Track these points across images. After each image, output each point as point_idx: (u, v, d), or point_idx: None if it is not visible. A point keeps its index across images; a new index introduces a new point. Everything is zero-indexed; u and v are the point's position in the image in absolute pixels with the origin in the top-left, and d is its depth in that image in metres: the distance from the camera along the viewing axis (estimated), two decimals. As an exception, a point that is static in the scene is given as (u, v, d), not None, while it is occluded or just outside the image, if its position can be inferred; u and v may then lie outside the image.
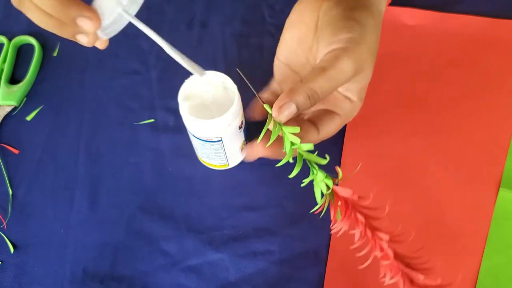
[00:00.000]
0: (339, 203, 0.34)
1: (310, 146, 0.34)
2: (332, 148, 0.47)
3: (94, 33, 0.31)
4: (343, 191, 0.33)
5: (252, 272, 0.43)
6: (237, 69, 0.36)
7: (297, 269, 0.43)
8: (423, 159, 0.47)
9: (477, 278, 0.41)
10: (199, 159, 0.48)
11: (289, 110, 0.33)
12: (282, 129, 0.34)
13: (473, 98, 0.49)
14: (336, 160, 0.47)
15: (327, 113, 0.37)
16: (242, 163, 0.48)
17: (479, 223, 0.44)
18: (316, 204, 0.35)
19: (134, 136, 0.51)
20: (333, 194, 0.34)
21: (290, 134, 0.34)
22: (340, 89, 0.36)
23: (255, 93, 0.36)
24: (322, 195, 0.34)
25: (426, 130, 0.48)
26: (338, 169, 0.34)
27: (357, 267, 0.43)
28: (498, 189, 0.44)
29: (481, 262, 0.42)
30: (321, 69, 0.32)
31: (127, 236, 0.46)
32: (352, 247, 0.34)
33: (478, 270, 0.42)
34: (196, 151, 0.47)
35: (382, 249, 0.33)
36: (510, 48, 0.51)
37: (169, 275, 0.44)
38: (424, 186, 0.46)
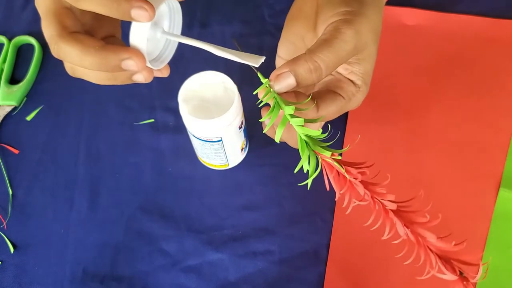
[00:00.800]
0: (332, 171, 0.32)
1: (301, 121, 0.31)
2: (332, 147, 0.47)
3: (145, 67, 0.31)
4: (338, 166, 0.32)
5: (252, 272, 0.43)
6: (233, 40, 0.35)
7: (297, 269, 0.43)
8: (422, 159, 0.47)
9: (477, 278, 0.41)
10: (199, 159, 0.48)
11: (287, 81, 0.31)
12: (276, 99, 0.32)
13: (473, 98, 0.49)
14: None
15: (330, 93, 0.35)
16: (242, 163, 0.48)
17: (479, 223, 0.44)
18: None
19: (134, 136, 0.51)
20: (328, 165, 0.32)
21: (285, 105, 0.31)
22: (343, 72, 0.35)
23: (252, 66, 0.33)
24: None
25: (426, 130, 0.48)
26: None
27: (357, 267, 0.43)
28: (498, 189, 0.45)
29: (481, 262, 0.42)
30: (324, 41, 0.31)
31: (127, 236, 0.46)
32: (353, 205, 0.32)
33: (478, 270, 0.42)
34: (196, 151, 0.47)
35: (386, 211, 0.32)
36: (510, 48, 0.51)
37: (169, 275, 0.44)
38: (424, 186, 0.46)
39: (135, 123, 0.51)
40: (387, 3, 0.53)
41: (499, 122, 0.48)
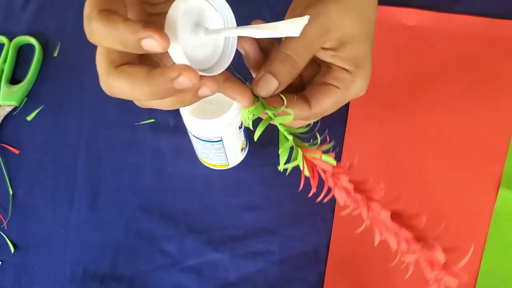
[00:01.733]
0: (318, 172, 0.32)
1: (289, 118, 0.30)
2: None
3: (204, 78, 0.27)
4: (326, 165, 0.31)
5: (252, 272, 0.43)
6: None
7: (297, 269, 0.43)
8: (422, 159, 0.47)
9: (477, 278, 0.41)
10: (199, 159, 0.48)
11: (268, 83, 0.30)
12: (263, 105, 0.31)
13: (473, 98, 0.49)
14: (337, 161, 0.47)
15: (322, 86, 0.33)
16: (242, 163, 0.48)
17: (479, 223, 0.44)
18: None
19: (134, 136, 0.51)
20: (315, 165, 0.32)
21: (271, 111, 0.30)
22: (332, 60, 0.33)
23: (234, 70, 0.32)
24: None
25: (426, 130, 0.48)
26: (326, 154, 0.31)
27: (357, 267, 0.43)
28: (498, 189, 0.45)
29: (481, 262, 0.42)
30: None
31: (127, 236, 0.46)
32: (343, 213, 0.32)
33: (478, 270, 0.42)
34: (196, 151, 0.47)
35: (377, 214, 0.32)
36: (510, 48, 0.51)
37: (169, 275, 0.44)
38: (424, 186, 0.46)
39: (135, 123, 0.51)
40: (388, 3, 0.53)
41: (499, 122, 0.48)
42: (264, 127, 0.30)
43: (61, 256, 0.45)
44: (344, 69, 0.33)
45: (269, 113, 0.31)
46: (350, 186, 0.31)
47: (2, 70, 0.55)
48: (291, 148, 0.31)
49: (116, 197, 0.48)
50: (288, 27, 0.27)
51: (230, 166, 0.48)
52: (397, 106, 0.50)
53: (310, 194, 0.32)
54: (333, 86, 0.33)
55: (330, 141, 0.31)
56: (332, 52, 0.33)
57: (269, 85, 0.31)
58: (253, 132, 0.49)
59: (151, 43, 0.24)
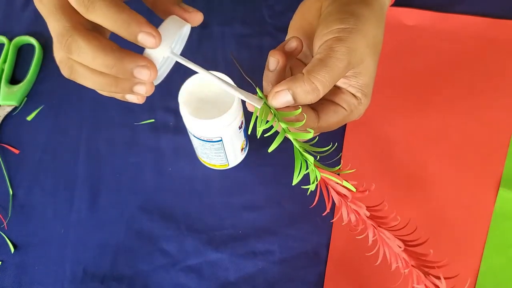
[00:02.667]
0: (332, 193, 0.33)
1: (307, 136, 0.32)
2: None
3: (152, 82, 0.30)
4: (341, 188, 0.33)
5: (252, 272, 0.43)
6: (231, 54, 0.35)
7: (297, 269, 0.43)
8: (422, 159, 0.47)
9: (477, 278, 0.41)
10: (199, 159, 0.48)
11: (285, 99, 0.32)
12: (273, 113, 0.33)
13: (473, 98, 0.49)
14: (337, 161, 0.47)
15: (332, 104, 0.36)
16: (242, 163, 0.48)
17: (479, 223, 0.44)
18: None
19: (134, 136, 0.51)
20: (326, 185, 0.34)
21: (283, 118, 0.32)
22: (342, 85, 0.36)
23: (248, 78, 0.34)
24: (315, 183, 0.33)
25: (426, 130, 0.48)
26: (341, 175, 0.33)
27: (357, 267, 0.43)
28: (498, 189, 0.45)
29: (481, 262, 0.42)
30: (319, 60, 0.32)
31: (127, 236, 0.46)
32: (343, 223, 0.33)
33: (478, 270, 0.42)
34: (196, 151, 0.47)
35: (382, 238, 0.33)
36: (510, 48, 0.52)
37: (169, 275, 0.44)
38: (424, 186, 0.46)
39: (135, 123, 0.52)
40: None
41: (499, 122, 0.48)
42: (280, 141, 0.32)
43: (61, 256, 0.45)
44: (352, 94, 0.36)
45: (283, 126, 0.32)
46: (364, 212, 0.32)
47: (2, 70, 0.55)
48: (305, 162, 0.33)
49: (116, 197, 0.48)
50: (254, 101, 0.33)
51: (230, 166, 0.48)
52: (397, 106, 0.50)
53: (324, 214, 0.34)
54: (341, 107, 0.36)
55: (332, 147, 0.33)
56: (345, 80, 0.35)
57: (285, 102, 0.32)
58: (253, 132, 0.49)
59: (148, 39, 0.28)
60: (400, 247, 0.32)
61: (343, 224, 0.34)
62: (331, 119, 0.36)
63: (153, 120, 0.51)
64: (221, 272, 0.44)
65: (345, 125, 0.49)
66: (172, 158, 0.49)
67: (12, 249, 0.46)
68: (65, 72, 0.30)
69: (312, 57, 0.37)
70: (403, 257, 0.33)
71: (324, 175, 0.32)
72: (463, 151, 0.47)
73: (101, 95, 0.56)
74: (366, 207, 0.32)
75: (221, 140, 0.42)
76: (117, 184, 0.48)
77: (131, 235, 0.46)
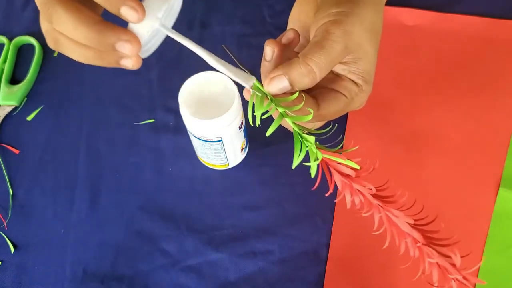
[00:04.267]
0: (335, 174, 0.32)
1: (307, 118, 0.31)
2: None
3: (137, 55, 0.30)
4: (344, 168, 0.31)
5: (252, 272, 0.43)
6: (223, 46, 0.35)
7: (297, 269, 0.43)
8: (422, 159, 0.47)
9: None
10: (199, 159, 0.48)
11: (281, 84, 0.32)
12: (269, 98, 0.32)
13: (473, 98, 0.49)
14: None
15: (332, 91, 0.35)
16: (242, 163, 0.48)
17: (479, 223, 0.44)
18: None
19: (134, 136, 0.51)
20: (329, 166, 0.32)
21: (280, 103, 0.32)
22: (342, 72, 0.35)
23: (238, 64, 0.33)
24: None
25: (426, 130, 0.48)
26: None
27: (357, 267, 0.43)
28: (498, 189, 0.45)
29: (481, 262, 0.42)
30: (315, 43, 0.32)
31: (127, 236, 0.46)
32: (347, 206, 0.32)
33: (478, 270, 0.42)
34: (196, 151, 0.47)
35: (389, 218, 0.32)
36: (510, 48, 0.52)
37: (169, 274, 0.44)
38: (424, 186, 0.46)
39: (135, 123, 0.52)
40: (387, 3, 0.53)
41: (499, 122, 0.48)
42: (277, 125, 0.31)
43: (61, 256, 0.45)
44: (353, 81, 0.35)
45: (281, 110, 0.31)
46: (368, 191, 0.31)
47: (2, 70, 0.55)
48: (304, 146, 0.32)
49: (116, 197, 0.48)
50: (241, 78, 0.32)
51: (230, 166, 0.48)
52: (397, 106, 0.50)
53: (327, 194, 0.32)
54: (341, 94, 0.35)
55: (332, 128, 0.32)
56: (344, 66, 0.35)
57: (282, 87, 0.32)
58: (253, 132, 0.49)
59: (130, 13, 0.27)
60: (410, 224, 0.31)
61: (347, 208, 0.32)
62: (332, 107, 0.35)
63: (153, 120, 0.51)
64: (221, 272, 0.44)
65: (345, 125, 0.49)
66: (172, 158, 0.49)
67: (12, 249, 0.46)
68: (50, 43, 0.30)
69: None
70: (413, 235, 0.31)
71: (326, 156, 0.31)
72: (463, 151, 0.47)
73: (101, 95, 0.56)
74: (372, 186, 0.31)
75: (221, 140, 0.42)
76: (117, 184, 0.48)
77: (131, 235, 0.46)
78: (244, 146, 0.47)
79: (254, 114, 0.31)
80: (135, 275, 0.44)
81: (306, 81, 0.32)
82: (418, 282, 0.42)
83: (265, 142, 0.49)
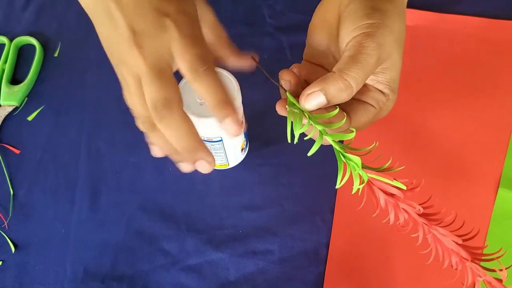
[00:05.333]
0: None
1: (349, 136, 0.31)
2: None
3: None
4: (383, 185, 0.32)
5: (252, 272, 0.43)
6: (251, 57, 0.36)
7: (297, 269, 0.43)
8: (422, 159, 0.47)
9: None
10: None
11: (318, 100, 0.32)
12: (307, 115, 0.32)
13: (472, 98, 0.49)
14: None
15: (361, 103, 0.35)
16: (242, 163, 0.48)
17: (479, 223, 0.44)
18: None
19: (135, 136, 0.51)
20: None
21: (317, 124, 0.32)
22: (370, 82, 0.35)
23: (276, 83, 0.34)
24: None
25: (426, 129, 0.48)
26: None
27: (357, 267, 0.43)
28: (498, 189, 0.45)
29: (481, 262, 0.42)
30: (350, 57, 0.32)
31: (128, 235, 0.46)
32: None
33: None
34: None
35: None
36: (510, 48, 0.52)
37: (170, 274, 0.44)
38: (424, 186, 0.46)
39: (135, 123, 0.52)
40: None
41: (499, 122, 0.48)
42: (319, 145, 0.31)
43: (62, 256, 0.45)
44: (380, 90, 0.35)
45: (320, 128, 0.32)
46: (415, 211, 0.32)
47: (3, 71, 0.55)
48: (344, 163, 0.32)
49: (117, 197, 0.48)
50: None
51: (230, 166, 0.48)
52: (397, 106, 0.50)
53: (374, 215, 0.32)
54: (370, 105, 0.35)
55: (375, 145, 0.32)
56: (373, 76, 0.35)
57: (318, 104, 0.32)
58: (253, 132, 0.49)
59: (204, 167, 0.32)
60: (458, 243, 0.31)
61: (397, 223, 0.32)
62: (362, 119, 0.35)
63: (153, 120, 0.51)
64: (221, 272, 0.44)
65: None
66: (172, 158, 0.49)
67: (13, 249, 0.46)
68: (140, 127, 0.33)
69: (334, 56, 0.37)
70: (460, 253, 0.31)
71: (372, 175, 0.31)
72: (463, 150, 0.47)
73: (102, 95, 0.56)
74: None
75: (221, 140, 0.42)
76: (117, 184, 0.48)
77: (131, 235, 0.46)
78: (244, 146, 0.47)
79: (293, 132, 0.31)
80: (135, 275, 0.44)
81: (343, 96, 0.32)
82: (418, 282, 0.43)
83: (265, 142, 0.49)
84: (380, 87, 0.35)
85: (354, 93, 0.32)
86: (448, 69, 0.51)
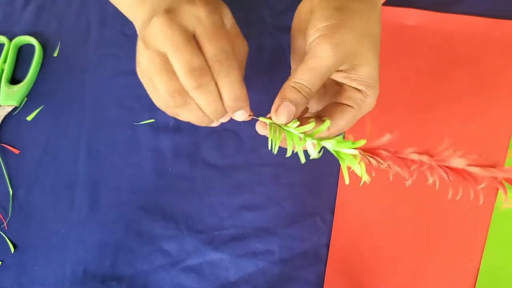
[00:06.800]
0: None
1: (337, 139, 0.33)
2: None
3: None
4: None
5: (252, 272, 0.43)
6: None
7: (297, 269, 0.43)
8: (423, 159, 0.47)
9: (477, 278, 0.41)
10: None
11: (287, 110, 0.33)
12: (285, 130, 0.34)
13: (473, 98, 0.49)
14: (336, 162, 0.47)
15: (337, 106, 0.36)
16: (242, 163, 0.48)
17: (479, 223, 0.44)
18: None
19: (134, 136, 0.51)
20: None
21: (298, 134, 0.33)
22: (345, 81, 0.35)
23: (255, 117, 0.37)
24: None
25: (426, 130, 0.48)
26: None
27: (357, 267, 0.43)
28: (498, 189, 0.44)
29: (481, 262, 0.42)
30: (303, 63, 0.33)
31: (127, 236, 0.46)
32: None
33: (478, 270, 0.42)
34: None
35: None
36: (510, 48, 0.51)
37: (169, 274, 0.44)
38: (424, 186, 0.46)
39: (135, 123, 0.52)
40: (387, 3, 0.53)
41: (499, 122, 0.48)
42: (301, 146, 0.33)
43: (61, 256, 0.45)
44: (356, 89, 0.35)
45: (299, 134, 0.33)
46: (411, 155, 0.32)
47: (2, 70, 0.55)
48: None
49: (116, 197, 0.48)
50: None
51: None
52: (397, 106, 0.50)
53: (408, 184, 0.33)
54: (347, 106, 0.35)
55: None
56: (345, 74, 0.35)
57: (288, 111, 0.33)
58: (254, 133, 0.49)
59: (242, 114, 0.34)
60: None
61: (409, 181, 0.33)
62: (341, 121, 0.35)
63: (153, 120, 0.51)
64: (221, 272, 0.44)
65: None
66: (172, 158, 0.49)
67: (12, 249, 0.46)
68: (169, 110, 0.36)
69: None
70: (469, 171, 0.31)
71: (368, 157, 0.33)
72: (463, 151, 0.47)
73: (101, 95, 0.56)
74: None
75: None
76: (117, 184, 0.48)
77: (131, 235, 0.46)
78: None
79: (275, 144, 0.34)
80: (135, 275, 0.44)
81: (301, 96, 0.33)
82: (418, 282, 0.43)
83: (265, 142, 0.49)
84: (354, 84, 0.35)
85: (313, 91, 0.33)
86: (448, 68, 0.51)
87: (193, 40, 0.32)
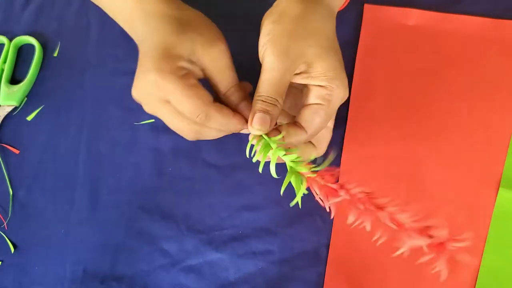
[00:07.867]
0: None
1: (293, 155, 0.35)
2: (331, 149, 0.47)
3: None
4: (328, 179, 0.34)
5: (252, 272, 0.43)
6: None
7: (297, 269, 0.43)
8: (422, 159, 0.47)
9: (477, 278, 0.41)
10: None
11: (258, 118, 0.35)
12: (269, 142, 0.35)
13: (473, 98, 0.49)
14: (336, 162, 0.47)
15: (309, 108, 0.36)
16: (242, 163, 0.48)
17: (479, 223, 0.44)
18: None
19: (134, 136, 0.51)
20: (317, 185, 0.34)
21: (276, 145, 0.35)
22: (306, 81, 0.36)
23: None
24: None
25: (426, 130, 0.48)
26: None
27: (357, 267, 0.43)
28: (498, 189, 0.45)
29: (481, 262, 0.42)
30: (260, 78, 0.35)
31: (127, 236, 0.46)
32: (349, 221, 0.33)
33: (478, 270, 0.42)
34: None
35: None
36: (510, 48, 0.51)
37: (169, 274, 0.44)
38: (424, 186, 0.46)
39: (135, 123, 0.52)
40: (387, 3, 0.53)
41: (499, 122, 0.48)
42: (275, 161, 0.36)
43: (61, 256, 0.45)
44: (320, 86, 0.36)
45: (274, 148, 0.35)
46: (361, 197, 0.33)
47: (2, 70, 0.55)
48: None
49: (116, 197, 0.48)
50: None
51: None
52: (397, 106, 0.50)
53: (332, 216, 0.35)
54: (317, 105, 0.36)
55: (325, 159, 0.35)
56: (305, 75, 0.36)
57: (259, 119, 0.35)
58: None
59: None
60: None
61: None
62: (314, 122, 0.36)
63: (153, 120, 0.51)
64: (221, 272, 0.44)
65: (345, 125, 0.49)
66: (172, 158, 0.49)
67: (12, 249, 0.46)
68: (191, 137, 0.37)
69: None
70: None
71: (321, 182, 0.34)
72: (463, 151, 0.47)
73: (101, 95, 0.56)
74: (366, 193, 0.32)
75: None
76: (117, 184, 0.48)
77: (131, 235, 0.46)
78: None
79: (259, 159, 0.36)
80: (135, 275, 0.44)
81: (271, 107, 0.35)
82: (418, 283, 0.43)
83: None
84: (317, 82, 0.36)
85: (280, 101, 0.35)
86: (448, 68, 0.51)
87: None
